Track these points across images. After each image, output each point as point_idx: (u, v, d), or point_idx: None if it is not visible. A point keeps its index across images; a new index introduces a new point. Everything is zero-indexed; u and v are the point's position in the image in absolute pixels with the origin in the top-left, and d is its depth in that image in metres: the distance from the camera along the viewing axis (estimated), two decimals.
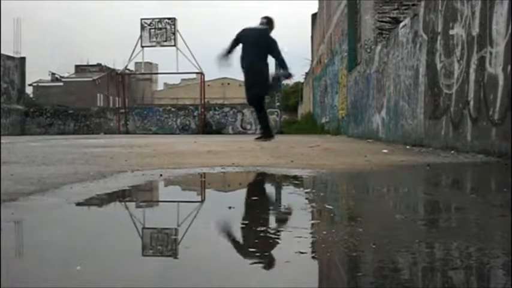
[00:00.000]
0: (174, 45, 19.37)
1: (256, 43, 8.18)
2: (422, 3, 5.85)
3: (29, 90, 48.57)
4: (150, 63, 43.54)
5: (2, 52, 19.06)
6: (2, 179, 2.32)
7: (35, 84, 54.26)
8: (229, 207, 1.68)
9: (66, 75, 56.42)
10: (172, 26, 19.49)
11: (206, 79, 21.59)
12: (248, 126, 19.19)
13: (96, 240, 1.28)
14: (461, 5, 4.50)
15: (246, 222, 1.53)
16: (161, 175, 2.74)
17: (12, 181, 2.31)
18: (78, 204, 1.81)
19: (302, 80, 37.42)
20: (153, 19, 19.70)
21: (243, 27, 8.53)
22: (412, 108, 6.29)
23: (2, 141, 7.45)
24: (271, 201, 2.13)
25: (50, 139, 10.34)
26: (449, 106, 4.81)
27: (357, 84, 10.94)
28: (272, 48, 8.28)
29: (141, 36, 19.48)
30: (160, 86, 68.64)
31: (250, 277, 0.96)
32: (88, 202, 1.87)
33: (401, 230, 1.34)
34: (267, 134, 8.44)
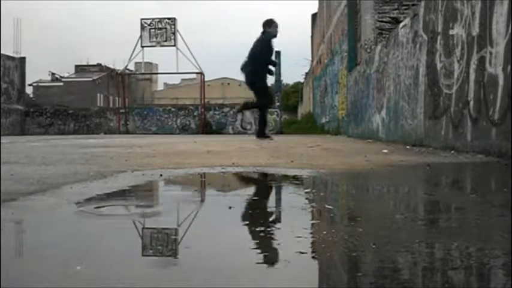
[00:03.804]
0: (174, 45, 19.37)
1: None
2: (422, 3, 5.85)
3: (29, 90, 48.60)
4: (150, 63, 43.50)
5: (2, 52, 19.07)
6: (2, 179, 2.32)
7: (35, 84, 54.24)
8: (229, 207, 1.68)
9: (66, 75, 56.41)
10: (172, 26, 19.49)
11: (206, 79, 21.59)
12: (248, 126, 19.17)
13: (96, 240, 1.28)
14: (461, 5, 4.50)
15: (246, 222, 1.53)
16: (161, 175, 2.74)
17: (12, 181, 2.31)
18: (78, 204, 1.81)
19: (302, 80, 37.42)
20: (153, 19, 19.70)
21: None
22: (412, 108, 6.29)
23: (2, 141, 7.45)
24: (271, 201, 2.13)
25: (50, 139, 10.33)
26: (449, 106, 4.81)
27: (357, 84, 10.94)
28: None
29: (141, 36, 19.48)
30: (160, 86, 68.63)
31: (250, 277, 0.96)
32: (88, 202, 1.87)
33: (401, 230, 1.34)
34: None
